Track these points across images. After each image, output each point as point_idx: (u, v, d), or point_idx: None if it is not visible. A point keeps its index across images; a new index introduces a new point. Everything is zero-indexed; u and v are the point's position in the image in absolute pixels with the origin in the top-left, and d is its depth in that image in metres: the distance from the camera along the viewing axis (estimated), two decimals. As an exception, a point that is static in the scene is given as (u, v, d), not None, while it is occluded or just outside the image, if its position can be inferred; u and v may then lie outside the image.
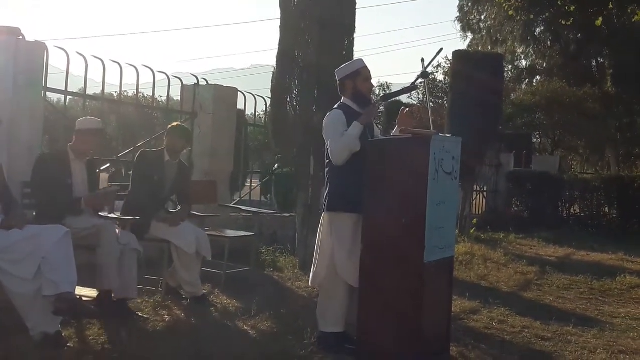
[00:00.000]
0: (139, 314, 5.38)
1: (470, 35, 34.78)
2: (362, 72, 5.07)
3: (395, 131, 5.17)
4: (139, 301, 5.69)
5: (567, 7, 15.81)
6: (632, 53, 26.77)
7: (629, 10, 15.91)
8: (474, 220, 13.30)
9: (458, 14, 34.99)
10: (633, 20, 18.15)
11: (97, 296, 5.22)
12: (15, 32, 6.10)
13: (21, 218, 4.59)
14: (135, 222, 5.74)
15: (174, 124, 6.48)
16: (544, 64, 32.91)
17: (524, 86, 33.10)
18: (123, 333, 4.81)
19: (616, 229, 15.27)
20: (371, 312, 4.72)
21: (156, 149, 6.57)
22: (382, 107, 21.82)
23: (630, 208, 15.57)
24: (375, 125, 5.27)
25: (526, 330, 5.85)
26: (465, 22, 34.71)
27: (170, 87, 8.55)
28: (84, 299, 5.02)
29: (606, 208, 16.18)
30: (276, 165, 12.56)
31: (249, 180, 11.46)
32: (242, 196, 10.81)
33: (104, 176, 8.02)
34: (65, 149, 5.57)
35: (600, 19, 15.36)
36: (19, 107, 6.04)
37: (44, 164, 5.48)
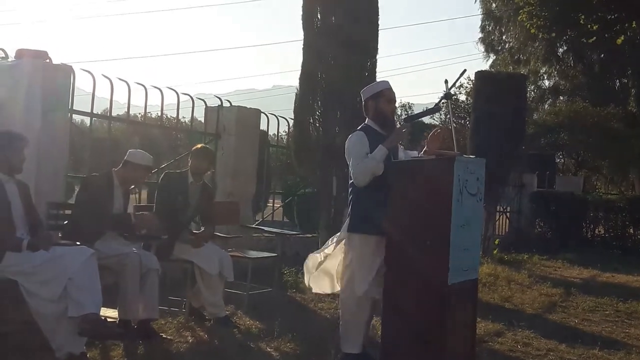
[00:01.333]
0: (163, 335, 5.40)
1: (492, 56, 34.72)
2: (385, 94, 5.07)
3: (420, 153, 5.17)
4: (163, 322, 5.71)
5: (589, 26, 15.75)
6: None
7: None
8: (497, 241, 13.20)
9: (480, 34, 34.97)
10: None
11: (120, 319, 5.24)
12: (42, 56, 6.19)
13: (47, 239, 4.63)
14: (159, 243, 5.77)
15: (198, 145, 6.53)
16: (567, 84, 32.75)
17: (546, 106, 32.92)
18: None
19: (641, 250, 15.10)
20: (394, 333, 4.71)
21: (180, 170, 6.61)
22: (404, 129, 21.83)
23: (655, 229, 15.40)
24: (399, 146, 5.27)
25: (551, 353, 5.79)
26: (488, 42, 34.67)
27: (194, 108, 8.62)
28: (108, 320, 5.05)
29: (631, 229, 16.02)
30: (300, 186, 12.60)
31: (271, 201, 11.48)
32: (264, 217, 10.83)
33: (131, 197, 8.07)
34: (110, 173, 5.63)
35: (622, 37, 15.28)
36: (46, 129, 6.11)
37: (91, 185, 5.56)
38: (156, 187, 6.61)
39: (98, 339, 4.76)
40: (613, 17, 15.48)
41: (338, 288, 5.27)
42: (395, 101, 5.19)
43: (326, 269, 5.36)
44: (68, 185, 9.84)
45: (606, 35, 16.49)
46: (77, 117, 7.55)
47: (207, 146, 6.94)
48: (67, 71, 6.47)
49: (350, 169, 4.92)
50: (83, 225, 5.37)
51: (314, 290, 5.61)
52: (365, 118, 5.14)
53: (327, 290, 5.50)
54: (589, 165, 30.30)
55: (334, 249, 5.23)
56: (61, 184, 6.53)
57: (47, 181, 6.02)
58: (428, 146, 5.07)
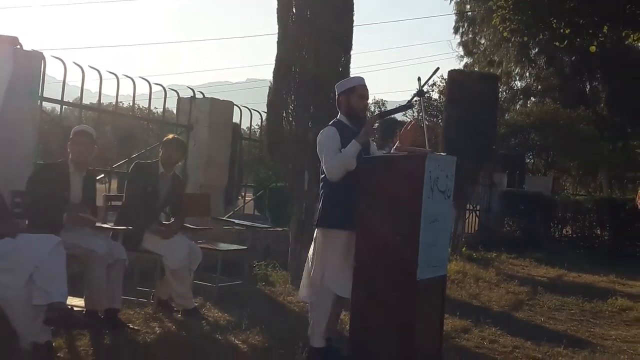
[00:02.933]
0: (129, 325, 5.36)
1: (466, 57, 34.98)
2: (357, 89, 5.07)
3: (392, 149, 5.17)
4: (131, 312, 5.67)
5: (562, 30, 15.91)
6: (625, 77, 26.98)
7: (623, 34, 16.03)
8: (463, 239, 13.32)
9: (454, 35, 35.21)
10: (626, 43, 18.32)
11: (86, 309, 5.19)
12: (13, 42, 6.11)
13: (14, 226, 4.58)
14: (128, 233, 5.73)
15: (169, 136, 6.46)
16: (539, 86, 33.10)
17: (518, 107, 33.25)
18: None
19: (608, 250, 15.33)
20: (364, 328, 4.72)
21: (151, 160, 6.56)
22: (377, 124, 21.89)
23: (621, 230, 15.64)
24: (371, 142, 5.28)
25: (517, 351, 5.85)
26: (462, 43, 34.92)
27: (167, 99, 8.56)
28: (74, 309, 5.00)
29: (598, 230, 16.24)
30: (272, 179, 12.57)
31: (242, 194, 11.45)
32: (235, 209, 10.80)
33: (100, 187, 7.99)
34: (66, 161, 5.54)
35: (595, 43, 15.47)
36: (15, 116, 6.03)
37: (42, 174, 5.46)
38: (126, 176, 6.56)
39: (64, 328, 4.71)
40: (584, 21, 15.64)
41: None
42: (367, 97, 5.19)
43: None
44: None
45: (578, 39, 16.67)
46: (47, 105, 7.46)
47: (179, 137, 6.89)
48: (37, 58, 6.40)
49: (322, 164, 4.92)
50: (35, 216, 5.26)
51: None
52: (338, 113, 5.14)
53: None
54: (558, 166, 30.67)
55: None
56: (29, 171, 6.45)
57: (15, 169, 5.94)
58: (401, 140, 5.08)
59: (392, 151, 5.15)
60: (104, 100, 8.35)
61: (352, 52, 8.17)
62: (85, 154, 5.51)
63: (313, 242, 5.12)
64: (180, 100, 8.96)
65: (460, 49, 35.16)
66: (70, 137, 5.51)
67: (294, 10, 7.93)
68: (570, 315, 7.85)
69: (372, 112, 28.57)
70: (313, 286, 5.01)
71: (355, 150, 4.79)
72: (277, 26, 8.04)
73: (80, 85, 7.25)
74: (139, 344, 4.94)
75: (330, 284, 4.86)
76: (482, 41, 34.09)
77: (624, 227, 15.62)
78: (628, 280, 11.21)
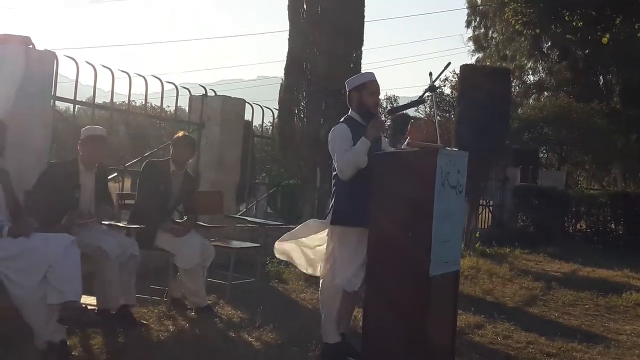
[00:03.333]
0: (143, 322, 5.39)
1: (479, 51, 34.84)
2: (368, 85, 5.05)
3: (404, 144, 5.17)
4: (144, 311, 5.70)
5: (574, 23, 15.85)
6: (639, 70, 26.76)
7: (636, 27, 15.93)
8: (477, 234, 13.27)
9: (466, 29, 35.08)
10: (639, 35, 18.19)
11: (99, 308, 5.22)
12: (25, 41, 6.14)
13: (28, 226, 4.59)
14: (141, 232, 5.75)
15: (179, 134, 6.46)
16: (552, 80, 32.91)
17: (531, 101, 33.08)
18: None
19: (622, 245, 15.25)
20: (377, 325, 4.72)
21: (162, 159, 6.58)
22: (388, 121, 21.85)
23: (636, 224, 15.56)
24: (383, 137, 5.26)
25: (531, 346, 5.83)
26: (474, 38, 34.78)
27: (179, 97, 8.58)
28: (88, 307, 5.03)
29: (612, 224, 16.17)
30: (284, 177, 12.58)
31: (257, 194, 11.47)
32: (248, 207, 10.82)
33: (113, 185, 8.02)
34: (77, 159, 5.56)
35: (608, 35, 15.39)
36: (28, 116, 6.06)
37: (51, 173, 5.48)
38: (138, 175, 6.58)
39: (78, 327, 4.74)
40: (597, 14, 15.58)
41: (309, 271, 5.35)
42: (379, 93, 5.17)
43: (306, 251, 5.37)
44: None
45: (591, 33, 16.61)
46: (61, 105, 7.50)
47: (189, 134, 6.89)
48: (50, 58, 6.42)
49: (334, 161, 4.92)
50: (40, 214, 5.15)
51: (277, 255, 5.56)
52: (349, 109, 5.13)
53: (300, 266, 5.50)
54: (572, 160, 30.54)
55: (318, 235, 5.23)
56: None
57: (29, 168, 5.97)
58: (411, 137, 5.07)
59: (403, 147, 5.14)
60: (117, 99, 8.38)
61: (363, 48, 8.17)
62: (97, 157, 5.54)
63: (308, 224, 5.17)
64: (192, 98, 8.97)
65: (471, 43, 35.02)
66: (81, 138, 5.53)
67: (305, 7, 7.94)
68: (585, 310, 7.82)
69: (384, 108, 28.54)
70: (327, 284, 5.02)
71: (365, 147, 4.78)
72: (288, 23, 8.05)
73: (92, 85, 7.27)
74: (152, 342, 4.97)
75: (338, 279, 4.87)
76: (494, 35, 33.93)
77: (639, 221, 15.53)
78: (643, 275, 11.14)
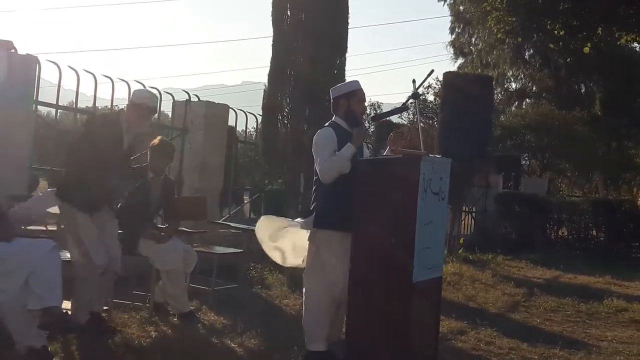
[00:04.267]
0: (116, 328, 5.34)
1: (461, 58, 35.05)
2: (357, 94, 5.09)
3: (387, 152, 5.19)
4: (126, 316, 5.67)
5: (556, 32, 15.95)
6: (620, 78, 27.06)
7: (616, 35, 16.08)
8: (460, 240, 13.30)
9: (450, 37, 35.28)
10: (618, 44, 18.36)
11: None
12: (7, 46, 6.11)
13: (10, 231, 4.55)
14: (123, 237, 5.72)
15: (155, 141, 6.29)
16: (534, 87, 33.16)
17: (513, 108, 33.30)
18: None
19: (603, 252, 15.34)
20: (359, 330, 4.73)
21: (140, 165, 6.53)
22: (372, 128, 21.90)
23: (617, 231, 15.68)
24: (365, 145, 5.28)
25: (513, 352, 5.85)
26: (458, 45, 34.98)
27: (162, 102, 8.55)
28: (69, 313, 4.99)
29: (594, 231, 16.27)
30: (266, 181, 12.56)
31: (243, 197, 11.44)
32: (231, 213, 10.79)
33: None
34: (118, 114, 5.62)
35: (589, 45, 15.50)
36: (10, 120, 6.03)
37: (95, 124, 5.54)
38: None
39: (59, 332, 4.70)
40: (578, 23, 15.68)
41: (288, 263, 5.41)
42: (365, 101, 5.22)
43: (283, 244, 5.36)
44: (33, 178, 9.69)
45: (572, 41, 16.72)
46: (43, 109, 7.45)
47: (166, 140, 6.82)
48: (32, 62, 6.40)
49: (316, 165, 4.93)
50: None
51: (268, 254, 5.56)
52: (334, 115, 5.14)
53: (277, 260, 5.51)
54: (553, 168, 30.74)
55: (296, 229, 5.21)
56: (25, 176, 6.45)
57: (11, 172, 5.94)
58: (391, 146, 5.09)
59: (386, 154, 5.16)
60: (99, 104, 8.33)
61: (347, 54, 8.18)
62: (142, 125, 5.54)
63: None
64: (175, 103, 8.95)
65: (451, 49, 35.19)
66: (132, 99, 5.49)
67: (289, 13, 7.95)
68: (566, 317, 7.86)
69: (368, 115, 28.59)
70: (310, 289, 5.02)
71: (350, 153, 4.81)
72: (272, 29, 8.05)
73: (75, 89, 7.23)
74: (134, 348, 4.94)
75: (326, 285, 4.88)
76: (477, 42, 34.13)
77: (620, 228, 15.66)
78: (624, 282, 11.23)
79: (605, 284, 10.94)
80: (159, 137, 6.47)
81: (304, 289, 5.11)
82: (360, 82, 5.21)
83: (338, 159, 4.79)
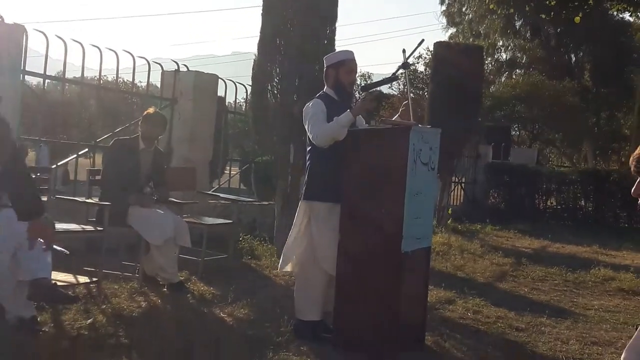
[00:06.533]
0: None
1: (452, 28, 34.89)
2: (346, 63, 5.05)
3: (379, 119, 5.17)
4: (116, 287, 5.68)
5: (547, 2, 15.89)
6: (610, 48, 27.03)
7: (608, 5, 16.04)
8: (449, 210, 13.36)
9: (441, 6, 35.06)
10: (609, 13, 18.31)
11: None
12: (-7, 14, 6.04)
13: (-4, 202, 4.54)
14: (112, 209, 5.71)
15: (149, 110, 6.41)
16: (524, 57, 33.10)
17: (503, 79, 33.27)
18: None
19: (591, 222, 15.48)
20: (348, 300, 4.75)
21: (132, 136, 6.52)
22: (362, 98, 21.84)
23: (605, 201, 15.81)
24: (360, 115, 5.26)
25: (500, 321, 5.91)
26: (450, 14, 34.78)
27: (151, 72, 8.50)
28: (58, 284, 4.99)
29: (582, 201, 16.38)
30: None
31: (228, 168, 11.43)
32: (221, 183, 10.79)
33: (83, 162, 7.96)
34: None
35: (580, 14, 15.46)
36: (-4, 90, 5.97)
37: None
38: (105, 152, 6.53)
39: (48, 303, 4.71)
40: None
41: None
42: (355, 72, 5.16)
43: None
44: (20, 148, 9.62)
45: (564, 11, 16.67)
46: (31, 79, 7.39)
47: (159, 111, 6.82)
48: (19, 31, 6.34)
49: (309, 133, 4.90)
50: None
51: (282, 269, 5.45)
52: (325, 86, 5.12)
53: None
54: (543, 138, 30.82)
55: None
56: (10, 148, 6.39)
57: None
58: (402, 117, 5.08)
59: (376, 124, 5.15)
60: (88, 74, 8.27)
61: (337, 24, 8.11)
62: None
63: (297, 215, 5.12)
64: (164, 73, 8.90)
65: (443, 19, 35.01)
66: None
67: (278, -19, 7.85)
68: (554, 286, 7.94)
69: (358, 85, 28.48)
70: (300, 260, 5.02)
71: (348, 121, 4.76)
72: (261, -2, 7.97)
73: (63, 59, 7.17)
74: (124, 318, 4.96)
75: (321, 261, 4.88)
76: (468, 12, 33.94)
77: (608, 198, 15.77)
78: (611, 251, 11.33)
79: (593, 254, 11.03)
80: (152, 107, 6.48)
81: (295, 260, 5.12)
82: (352, 52, 5.18)
83: (334, 124, 4.75)
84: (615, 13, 17.26)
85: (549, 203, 16.80)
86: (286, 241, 5.19)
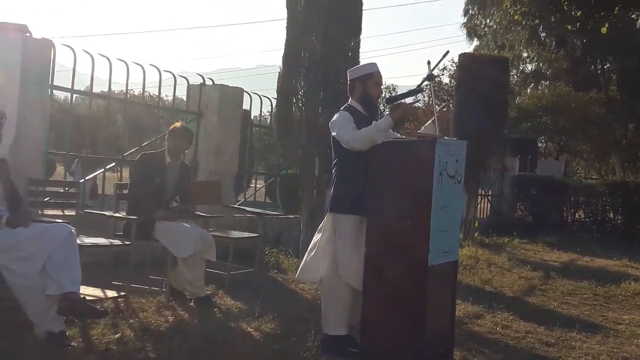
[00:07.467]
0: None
1: (476, 40, 34.73)
2: (374, 76, 5.05)
3: (405, 131, 5.15)
4: (143, 301, 5.69)
5: (573, 12, 15.80)
6: (636, 58, 26.72)
7: (634, 16, 15.90)
8: (476, 223, 13.26)
9: (464, 18, 34.94)
10: (637, 26, 18.13)
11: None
12: (22, 30, 6.11)
13: (27, 216, 4.57)
14: (139, 223, 5.74)
15: (176, 124, 6.44)
16: (549, 69, 32.84)
17: (529, 90, 33.01)
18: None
19: (620, 234, 15.29)
20: (375, 315, 4.72)
21: (158, 150, 6.56)
22: (387, 111, 21.82)
23: (634, 214, 15.60)
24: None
25: (530, 336, 5.83)
26: (471, 26, 34.64)
27: (177, 86, 8.56)
28: (87, 298, 5.01)
29: (611, 214, 16.19)
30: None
31: (253, 181, 11.46)
32: (246, 197, 10.80)
33: (110, 176, 8.01)
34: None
35: (607, 25, 15.34)
36: (25, 104, 6.04)
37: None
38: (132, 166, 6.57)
39: (77, 317, 4.73)
40: (595, 3, 15.52)
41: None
42: (381, 84, 5.17)
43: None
44: (49, 162, 9.74)
45: (589, 22, 16.57)
46: (58, 94, 7.48)
47: (186, 125, 6.85)
48: (47, 46, 6.40)
49: (342, 138, 4.81)
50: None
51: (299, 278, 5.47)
52: (349, 98, 5.11)
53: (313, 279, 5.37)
54: (570, 150, 30.52)
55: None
56: (41, 160, 6.48)
57: (27, 157, 5.97)
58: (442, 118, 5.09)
59: (402, 136, 5.12)
60: (114, 88, 8.34)
61: (361, 36, 8.11)
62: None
63: (322, 227, 5.09)
64: (190, 87, 8.95)
65: (464, 30, 34.86)
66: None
67: (303, -5, 7.88)
68: (583, 300, 7.83)
69: (383, 97, 28.44)
70: (326, 274, 4.99)
71: (388, 125, 4.72)
72: (286, 11, 8.00)
73: (90, 73, 7.24)
74: (151, 332, 4.96)
75: (344, 275, 4.85)
76: (491, 24, 33.78)
77: (637, 210, 15.56)
78: (641, 264, 11.16)
79: (622, 267, 10.89)
80: (178, 121, 6.52)
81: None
82: (377, 65, 5.17)
83: (373, 128, 4.71)
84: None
85: (577, 216, 16.62)
86: (308, 250, 5.17)
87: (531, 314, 6.70)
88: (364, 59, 8.65)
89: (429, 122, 5.18)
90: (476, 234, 12.81)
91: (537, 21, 21.18)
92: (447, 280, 4.95)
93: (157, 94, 8.87)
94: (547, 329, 6.09)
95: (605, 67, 31.60)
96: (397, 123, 4.83)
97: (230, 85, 9.15)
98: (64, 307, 4.27)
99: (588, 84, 28.08)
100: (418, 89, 5.34)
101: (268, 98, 9.88)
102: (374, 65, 5.16)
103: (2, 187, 4.68)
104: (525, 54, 33.39)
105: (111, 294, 5.50)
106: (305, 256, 5.21)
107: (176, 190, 6.37)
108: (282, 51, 8.04)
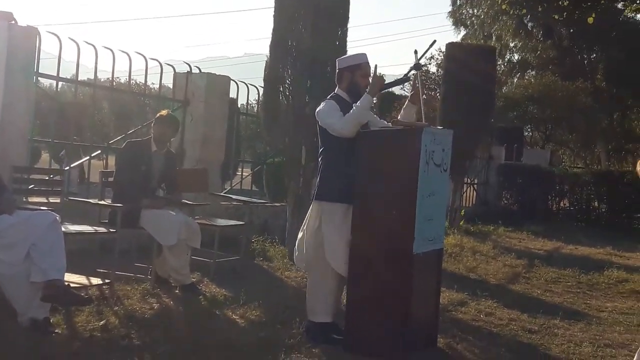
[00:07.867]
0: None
1: (462, 29, 34.75)
2: (362, 67, 5.05)
3: (392, 120, 5.16)
4: (128, 288, 5.70)
5: (560, 2, 15.84)
6: (623, 48, 26.87)
7: (620, 6, 15.97)
8: (461, 212, 13.31)
9: (451, 7, 34.94)
10: (624, 14, 18.21)
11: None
12: (7, 17, 6.06)
13: (11, 203, 4.56)
14: (125, 211, 5.73)
15: (162, 112, 6.42)
16: (536, 58, 32.92)
17: (516, 80, 33.09)
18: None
19: (605, 223, 15.40)
20: (359, 302, 4.75)
21: (144, 138, 6.54)
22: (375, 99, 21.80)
23: (619, 203, 15.71)
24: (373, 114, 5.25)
25: (513, 323, 5.88)
26: (458, 16, 34.65)
27: (163, 74, 8.52)
28: (72, 285, 5.01)
29: (595, 202, 16.30)
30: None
31: (240, 169, 11.45)
32: (233, 185, 10.80)
33: (96, 163, 7.98)
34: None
35: (593, 15, 15.40)
36: (10, 92, 6.01)
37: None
38: (117, 154, 6.55)
39: (61, 305, 4.73)
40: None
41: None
42: (370, 75, 5.15)
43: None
44: (34, 150, 9.69)
45: (576, 12, 16.61)
46: (44, 81, 7.44)
47: (172, 113, 6.83)
48: (33, 33, 6.36)
49: (328, 126, 4.85)
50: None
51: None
52: (336, 87, 5.11)
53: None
54: (556, 139, 30.66)
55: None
56: (26, 148, 6.45)
57: (12, 145, 5.94)
58: (412, 101, 5.14)
59: (389, 125, 5.13)
60: (100, 76, 8.31)
61: (348, 25, 8.10)
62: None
63: (309, 215, 5.11)
64: (176, 75, 8.91)
65: (450, 20, 34.85)
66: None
67: (290, -17, 7.85)
68: (567, 288, 7.90)
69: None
70: (311, 261, 5.01)
71: (368, 102, 4.75)
72: (273, -1, 7.98)
73: (75, 61, 7.20)
74: (136, 320, 4.97)
75: (331, 262, 4.87)
76: (479, 14, 33.79)
77: (621, 199, 15.68)
78: (625, 253, 11.26)
79: (606, 255, 10.97)
80: (165, 109, 6.52)
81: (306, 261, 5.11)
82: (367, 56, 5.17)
83: (356, 109, 4.73)
84: (629, 15, 17.14)
85: (562, 204, 16.73)
86: (298, 237, 5.18)
87: (515, 301, 6.76)
88: (352, 48, 8.65)
89: (406, 103, 5.21)
90: (462, 222, 12.86)
91: (524, 11, 21.23)
92: (432, 268, 4.98)
93: (143, 82, 8.83)
94: (531, 316, 6.14)
95: (591, 56, 31.73)
96: (374, 96, 4.84)
97: (217, 74, 9.12)
98: (48, 295, 4.27)
99: (574, 73, 28.19)
100: (405, 78, 5.36)
101: (255, 86, 9.86)
102: (363, 55, 5.17)
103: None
104: (512, 44, 33.45)
105: (96, 281, 5.50)
106: (297, 242, 5.21)
107: (162, 178, 6.36)
108: (270, 40, 8.02)
